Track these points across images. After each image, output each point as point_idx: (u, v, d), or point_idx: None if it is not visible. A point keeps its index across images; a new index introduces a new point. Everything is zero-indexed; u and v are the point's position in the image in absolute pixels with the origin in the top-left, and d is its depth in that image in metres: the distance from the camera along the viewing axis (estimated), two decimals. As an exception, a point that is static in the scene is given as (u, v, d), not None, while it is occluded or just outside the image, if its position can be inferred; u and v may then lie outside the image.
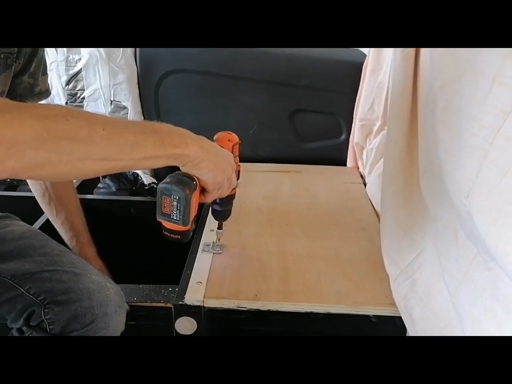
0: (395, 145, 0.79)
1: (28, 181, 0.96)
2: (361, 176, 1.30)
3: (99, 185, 1.40)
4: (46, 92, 0.85)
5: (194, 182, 0.62)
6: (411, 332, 0.70)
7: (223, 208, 0.82)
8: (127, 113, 1.29)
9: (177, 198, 0.61)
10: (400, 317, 0.73)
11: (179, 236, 0.65)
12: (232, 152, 0.73)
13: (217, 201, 0.80)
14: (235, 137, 0.76)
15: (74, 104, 1.32)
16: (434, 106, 0.63)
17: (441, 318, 0.64)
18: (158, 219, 0.64)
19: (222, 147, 0.69)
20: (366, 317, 0.76)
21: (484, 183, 0.50)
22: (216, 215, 0.84)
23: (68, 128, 0.44)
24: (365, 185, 1.24)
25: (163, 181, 0.62)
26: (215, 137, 0.74)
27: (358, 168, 1.35)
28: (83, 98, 1.33)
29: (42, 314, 0.68)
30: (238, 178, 0.78)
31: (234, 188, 0.77)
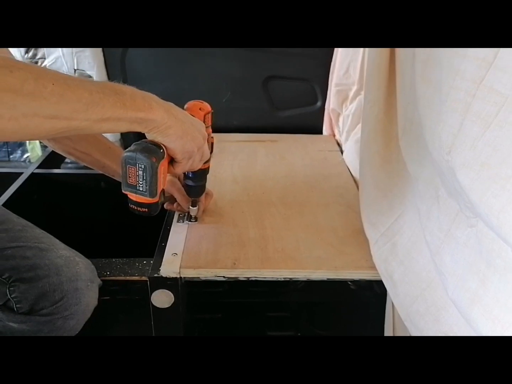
0: (372, 106, 0.76)
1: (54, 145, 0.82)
2: (338, 143, 1.29)
3: (67, 159, 1.33)
4: None
5: (162, 150, 0.58)
6: (392, 294, 0.70)
7: (196, 184, 0.78)
8: (92, 82, 1.21)
9: (143, 167, 0.57)
10: (378, 282, 0.73)
11: (146, 209, 0.61)
12: (204, 122, 0.69)
13: (189, 175, 0.77)
14: (207, 106, 0.72)
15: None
16: (414, 61, 0.61)
17: (422, 279, 0.63)
18: (123, 191, 0.60)
19: (193, 116, 0.66)
20: (344, 283, 0.75)
21: (467, 137, 0.48)
22: (188, 191, 0.81)
23: (11, 80, 0.40)
24: (342, 152, 1.23)
25: (127, 149, 0.57)
26: (185, 106, 0.70)
27: (334, 135, 1.33)
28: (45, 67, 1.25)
29: (8, 292, 0.65)
30: (211, 151, 0.75)
31: (207, 162, 0.74)
